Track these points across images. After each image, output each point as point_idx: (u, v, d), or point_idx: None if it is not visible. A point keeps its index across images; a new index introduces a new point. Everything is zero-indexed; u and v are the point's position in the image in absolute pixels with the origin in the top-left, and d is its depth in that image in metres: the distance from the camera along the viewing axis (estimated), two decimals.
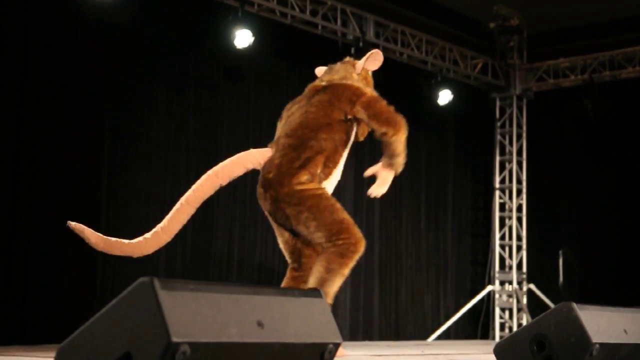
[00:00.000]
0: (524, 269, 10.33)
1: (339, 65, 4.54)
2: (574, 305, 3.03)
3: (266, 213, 4.28)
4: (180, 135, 7.47)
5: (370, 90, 4.47)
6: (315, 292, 2.40)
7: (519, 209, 10.45)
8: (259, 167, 4.28)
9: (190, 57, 7.62)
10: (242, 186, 7.92)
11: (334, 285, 4.05)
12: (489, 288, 10.12)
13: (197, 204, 4.25)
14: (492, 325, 10.15)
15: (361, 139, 4.57)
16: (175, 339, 1.88)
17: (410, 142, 9.55)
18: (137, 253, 4.22)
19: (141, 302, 1.94)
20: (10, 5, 6.27)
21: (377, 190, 4.51)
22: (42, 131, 6.43)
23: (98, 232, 4.22)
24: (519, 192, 10.48)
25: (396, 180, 9.33)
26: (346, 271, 4.09)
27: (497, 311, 10.18)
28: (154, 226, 7.22)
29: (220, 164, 4.28)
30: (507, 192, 10.50)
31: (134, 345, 1.92)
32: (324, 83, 4.40)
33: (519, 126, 10.54)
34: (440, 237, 10.08)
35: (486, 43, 10.21)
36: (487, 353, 5.82)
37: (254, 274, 7.96)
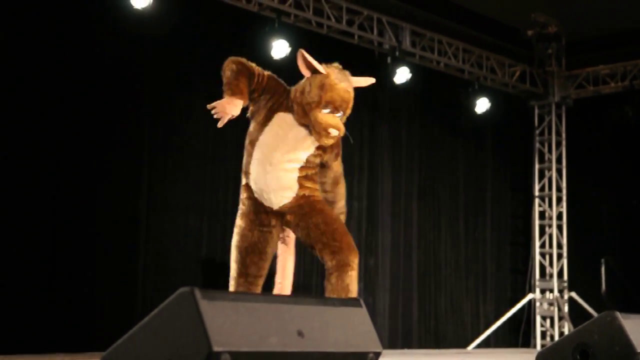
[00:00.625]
0: (565, 277, 10.21)
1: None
2: (618, 314, 2.99)
3: None
4: (218, 145, 7.50)
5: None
6: (355, 302, 2.39)
7: (559, 216, 10.34)
8: None
9: None
10: None
11: None
12: (530, 296, 10.02)
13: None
14: (533, 333, 10.04)
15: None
16: (216, 348, 1.88)
17: (449, 150, 9.70)
18: None
19: (182, 312, 1.94)
20: (53, 20, 6.34)
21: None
22: (84, 142, 6.50)
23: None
24: (559, 200, 10.37)
25: (435, 189, 9.38)
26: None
27: (538, 319, 10.07)
28: (192, 236, 7.29)
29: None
30: (546, 200, 10.40)
31: (175, 354, 1.93)
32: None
33: (558, 134, 10.43)
34: (479, 246, 10.01)
35: (524, 51, 10.14)
36: None
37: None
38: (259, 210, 4.37)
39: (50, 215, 6.27)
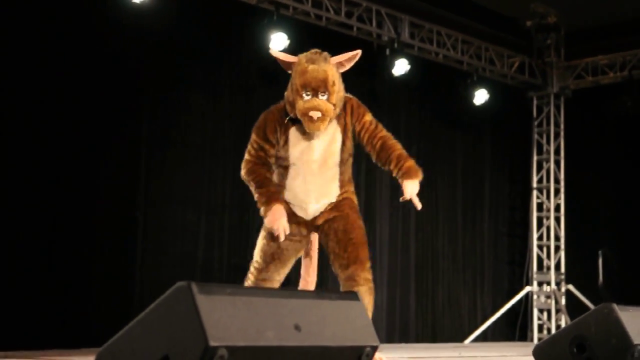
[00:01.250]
0: (563, 269, 10.23)
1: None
2: (615, 306, 3.00)
3: None
4: (216, 139, 7.51)
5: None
6: (353, 295, 2.40)
7: (557, 208, 10.36)
8: None
9: (225, 61, 7.66)
10: None
11: None
12: (527, 289, 10.05)
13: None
14: (530, 326, 10.06)
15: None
16: (213, 343, 1.88)
17: (447, 143, 9.70)
18: None
19: (179, 307, 1.95)
20: (51, 14, 6.32)
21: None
22: (81, 137, 6.50)
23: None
24: (557, 191, 10.38)
25: (433, 181, 9.38)
26: None
27: (535, 312, 10.10)
28: (190, 230, 7.28)
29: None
30: (544, 191, 10.41)
31: (172, 349, 1.93)
32: None
33: (557, 125, 10.44)
34: (477, 238, 10.03)
35: (523, 41, 10.13)
36: (525, 355, 5.77)
37: (291, 277, 7.97)
38: (291, 221, 4.28)
39: (48, 210, 6.26)
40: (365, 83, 8.35)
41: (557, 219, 10.33)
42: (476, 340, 9.47)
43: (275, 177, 4.41)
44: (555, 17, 9.75)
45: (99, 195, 6.62)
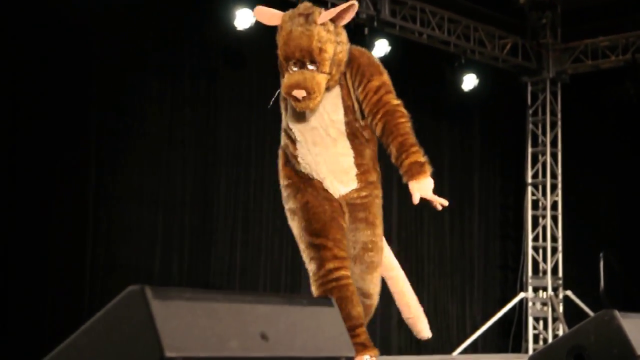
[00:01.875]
0: (560, 274, 10.32)
1: None
2: (617, 313, 3.03)
3: None
4: (175, 128, 7.49)
5: None
6: (326, 301, 2.41)
7: (554, 206, 10.44)
8: None
9: (185, 41, 7.64)
10: (245, 184, 7.96)
11: None
12: (521, 295, 10.11)
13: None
14: (525, 336, 10.14)
15: None
16: (169, 354, 1.89)
17: (432, 133, 9.74)
18: None
19: (131, 313, 1.95)
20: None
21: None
22: (25, 124, 6.46)
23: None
24: (554, 187, 10.46)
25: None
26: None
27: (531, 321, 10.18)
28: (146, 230, 7.24)
29: None
30: (540, 188, 10.49)
31: (125, 358, 1.93)
32: None
33: (553, 114, 10.52)
34: (466, 240, 10.08)
35: (516, 21, 10.20)
36: None
37: (258, 283, 7.98)
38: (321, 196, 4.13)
39: None
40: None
41: (554, 218, 10.41)
42: (465, 352, 9.52)
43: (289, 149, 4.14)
44: None
45: (45, 190, 6.58)
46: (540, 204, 10.46)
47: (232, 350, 2.03)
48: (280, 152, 4.22)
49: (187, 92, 7.65)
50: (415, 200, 3.95)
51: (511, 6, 9.92)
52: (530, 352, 9.80)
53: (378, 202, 4.22)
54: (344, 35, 4.01)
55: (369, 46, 8.51)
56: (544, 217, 10.42)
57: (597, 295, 9.22)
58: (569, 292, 10.10)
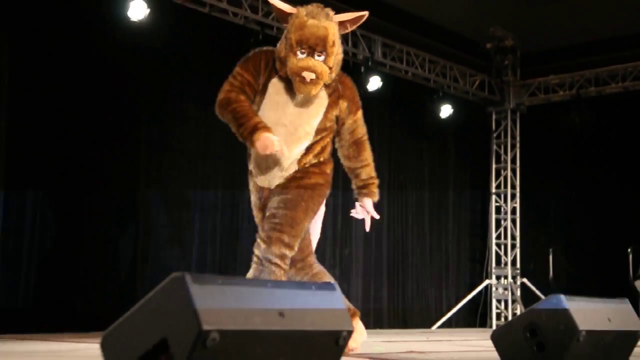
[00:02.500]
0: (518, 264, 10.29)
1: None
2: (563, 296, 3.03)
3: None
4: (208, 145, 7.48)
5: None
6: (330, 286, 2.41)
7: (513, 211, 10.42)
8: None
9: (215, 74, 7.61)
10: None
11: None
12: (487, 282, 10.09)
13: None
14: (490, 314, 10.11)
15: None
16: (205, 327, 1.88)
17: (415, 151, 9.73)
18: None
19: (175, 295, 1.95)
20: (46, 29, 6.23)
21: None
22: (89, 143, 6.47)
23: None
24: (513, 196, 10.44)
25: (402, 186, 9.39)
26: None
27: (494, 302, 10.14)
28: (186, 226, 7.23)
29: None
30: (502, 196, 10.47)
31: (169, 332, 1.93)
32: None
33: (513, 137, 10.50)
34: (442, 237, 10.05)
35: (483, 62, 10.19)
36: (485, 339, 5.80)
37: None
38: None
39: (61, 208, 6.24)
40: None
41: (514, 221, 10.39)
42: (442, 326, 9.49)
43: None
44: (512, 40, 9.81)
45: (106, 195, 6.58)
46: (502, 209, 10.44)
47: (256, 325, 2.03)
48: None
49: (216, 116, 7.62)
50: (358, 216, 3.79)
51: (480, 50, 9.90)
52: (494, 327, 9.77)
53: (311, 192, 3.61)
54: (341, 42, 3.60)
55: (365, 81, 8.53)
56: (505, 219, 10.39)
57: (547, 282, 9.21)
58: (525, 280, 10.07)
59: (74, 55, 6.39)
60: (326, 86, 3.57)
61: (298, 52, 3.41)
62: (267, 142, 3.41)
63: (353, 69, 8.62)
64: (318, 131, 3.59)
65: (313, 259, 3.76)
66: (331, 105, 3.60)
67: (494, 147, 10.53)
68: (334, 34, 3.47)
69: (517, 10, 8.87)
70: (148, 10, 6.55)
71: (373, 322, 8.90)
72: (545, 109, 10.41)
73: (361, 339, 3.71)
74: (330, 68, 3.47)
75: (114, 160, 6.68)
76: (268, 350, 2.07)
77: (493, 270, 10.21)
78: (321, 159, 3.65)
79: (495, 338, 3.18)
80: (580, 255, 9.76)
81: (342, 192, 8.68)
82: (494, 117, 10.57)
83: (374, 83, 8.56)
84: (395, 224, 9.39)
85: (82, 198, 6.40)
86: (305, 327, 2.17)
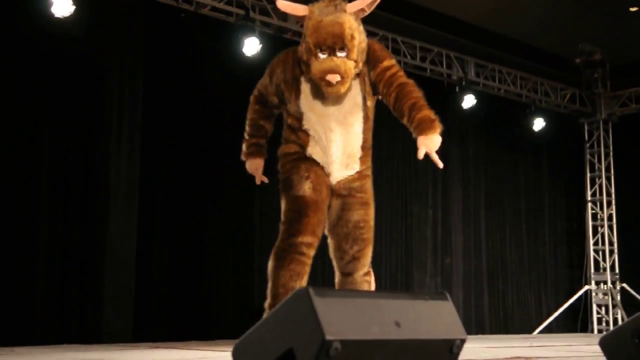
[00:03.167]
0: (617, 269, 9.88)
1: None
2: None
3: None
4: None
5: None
6: (442, 296, 2.36)
7: (610, 218, 10.02)
8: None
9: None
10: None
11: None
12: (586, 287, 9.73)
13: None
14: (591, 320, 9.73)
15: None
16: (329, 337, 1.88)
17: (510, 164, 9.52)
18: None
19: (300, 307, 1.96)
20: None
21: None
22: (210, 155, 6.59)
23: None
24: (609, 203, 10.05)
25: (500, 198, 9.20)
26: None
27: (595, 308, 9.76)
28: None
29: None
30: (598, 203, 10.09)
31: (295, 342, 1.94)
32: None
33: (606, 146, 10.13)
34: (539, 245, 9.79)
35: (573, 76, 9.90)
36: (587, 344, 5.58)
37: (380, 282, 7.91)
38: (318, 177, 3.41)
39: (190, 217, 6.40)
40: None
41: (610, 227, 10.00)
42: (542, 332, 9.20)
43: (287, 135, 3.39)
44: (600, 54, 9.52)
45: (219, 213, 6.69)
46: (598, 216, 10.06)
47: (374, 334, 2.02)
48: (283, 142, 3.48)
49: None
50: (421, 155, 3.20)
51: (569, 65, 9.65)
52: (595, 332, 9.43)
53: (371, 183, 3.45)
54: (362, 26, 3.31)
55: (459, 100, 8.43)
56: (602, 226, 10.01)
57: None
58: (624, 285, 9.66)
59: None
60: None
61: (319, 54, 3.15)
62: (251, 168, 3.57)
63: (448, 89, 8.56)
64: (366, 116, 3.35)
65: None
66: (362, 80, 3.34)
67: (588, 156, 10.18)
68: (351, 27, 3.17)
69: (604, 25, 8.59)
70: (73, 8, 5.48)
71: (475, 328, 8.73)
72: (637, 118, 10.00)
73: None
74: (355, 61, 3.20)
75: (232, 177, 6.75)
76: (386, 359, 2.05)
77: (592, 276, 9.83)
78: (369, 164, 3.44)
79: (604, 344, 3.04)
80: None
81: (442, 208, 8.60)
82: (586, 128, 10.23)
83: (469, 101, 8.46)
84: (494, 234, 9.21)
85: (206, 213, 6.52)
86: (420, 336, 2.14)
